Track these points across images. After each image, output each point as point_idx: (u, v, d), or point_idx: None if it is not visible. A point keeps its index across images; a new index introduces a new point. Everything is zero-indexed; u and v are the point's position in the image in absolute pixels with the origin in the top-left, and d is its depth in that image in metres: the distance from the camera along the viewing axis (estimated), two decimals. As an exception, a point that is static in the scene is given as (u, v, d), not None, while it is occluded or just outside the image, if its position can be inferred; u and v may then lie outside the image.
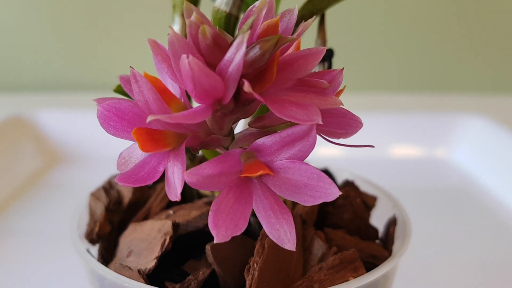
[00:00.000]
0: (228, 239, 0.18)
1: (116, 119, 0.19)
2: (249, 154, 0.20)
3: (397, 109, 0.81)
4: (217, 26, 0.19)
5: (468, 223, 0.49)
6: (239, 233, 0.18)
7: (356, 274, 0.23)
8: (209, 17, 0.22)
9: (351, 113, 0.20)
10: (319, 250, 0.24)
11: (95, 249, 0.27)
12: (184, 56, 0.16)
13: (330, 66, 0.27)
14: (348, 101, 0.23)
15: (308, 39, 0.29)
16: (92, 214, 0.28)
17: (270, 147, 0.19)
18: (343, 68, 0.19)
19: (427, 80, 0.89)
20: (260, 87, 0.19)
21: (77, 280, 0.37)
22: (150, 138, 0.18)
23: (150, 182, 0.18)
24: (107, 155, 0.66)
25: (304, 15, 0.26)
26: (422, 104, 0.86)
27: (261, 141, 0.19)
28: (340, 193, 0.18)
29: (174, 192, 0.18)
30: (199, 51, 0.18)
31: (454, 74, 0.88)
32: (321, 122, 0.18)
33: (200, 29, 0.17)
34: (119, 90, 0.23)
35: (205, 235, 0.23)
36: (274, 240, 0.19)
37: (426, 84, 0.89)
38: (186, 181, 0.18)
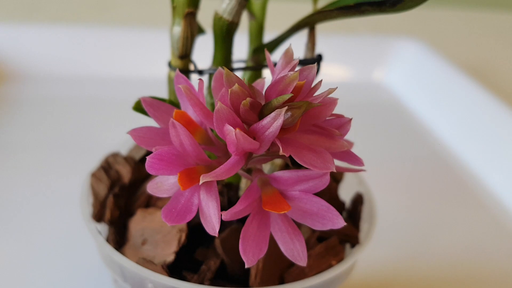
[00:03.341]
0: (255, 263, 0.22)
1: (158, 162, 0.21)
2: (264, 180, 0.23)
3: (332, 30, 0.83)
4: (246, 80, 0.21)
5: (395, 140, 0.60)
6: (262, 255, 0.22)
7: (338, 258, 0.28)
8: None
9: (354, 153, 0.24)
10: (304, 234, 0.29)
11: (100, 227, 0.30)
12: (231, 129, 0.19)
13: (318, 69, 0.30)
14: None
15: (299, 42, 0.31)
16: (95, 195, 0.31)
17: (286, 180, 0.23)
18: (351, 119, 0.23)
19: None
20: (282, 134, 0.22)
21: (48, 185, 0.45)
22: (189, 178, 0.21)
23: (189, 219, 0.22)
24: (53, 71, 0.66)
25: (299, 26, 0.28)
26: (357, 20, 0.90)
27: (279, 174, 0.23)
28: (345, 224, 0.22)
29: (212, 227, 0.21)
30: (237, 113, 0.20)
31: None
32: (334, 170, 0.21)
33: (243, 102, 0.19)
34: (138, 107, 0.25)
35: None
36: (289, 258, 0.23)
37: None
38: (222, 219, 0.21)
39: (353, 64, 0.75)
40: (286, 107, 0.19)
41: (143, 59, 0.65)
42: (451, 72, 0.68)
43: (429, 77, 0.71)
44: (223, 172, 0.20)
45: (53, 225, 0.41)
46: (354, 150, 0.23)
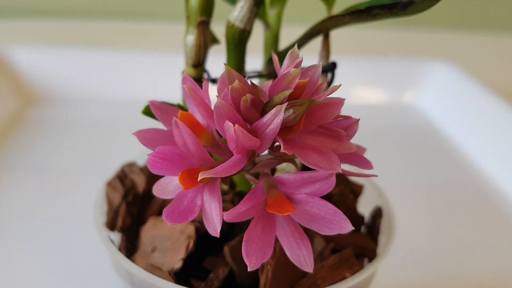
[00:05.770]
0: (258, 266, 0.21)
1: (161, 161, 0.21)
2: (271, 183, 0.23)
3: (365, 53, 0.83)
4: (249, 81, 0.21)
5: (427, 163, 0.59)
6: (266, 259, 0.22)
7: (352, 270, 0.27)
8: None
9: (363, 156, 0.23)
10: (318, 245, 0.28)
11: (113, 235, 0.30)
12: (230, 124, 0.19)
13: (333, 77, 0.29)
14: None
15: (313, 50, 0.31)
16: (110, 203, 0.31)
17: (292, 182, 0.22)
18: (359, 119, 0.22)
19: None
20: (286, 135, 0.21)
21: (74, 204, 0.45)
22: (191, 178, 0.21)
23: (191, 219, 0.21)
24: (82, 94, 0.68)
25: (312, 33, 0.28)
26: (389, 43, 0.89)
27: (285, 176, 0.22)
28: (353, 228, 0.21)
29: (214, 227, 0.21)
30: (238, 110, 0.20)
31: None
32: (340, 171, 0.21)
33: (243, 98, 0.19)
34: (147, 112, 0.25)
35: (221, 233, 0.26)
36: (295, 263, 0.22)
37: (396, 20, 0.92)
38: (224, 219, 0.21)
39: (385, 86, 0.74)
40: (286, 104, 0.19)
41: (171, 82, 0.66)
42: (484, 95, 0.66)
43: (462, 100, 0.69)
44: (223, 170, 0.20)
45: (76, 240, 0.41)
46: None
